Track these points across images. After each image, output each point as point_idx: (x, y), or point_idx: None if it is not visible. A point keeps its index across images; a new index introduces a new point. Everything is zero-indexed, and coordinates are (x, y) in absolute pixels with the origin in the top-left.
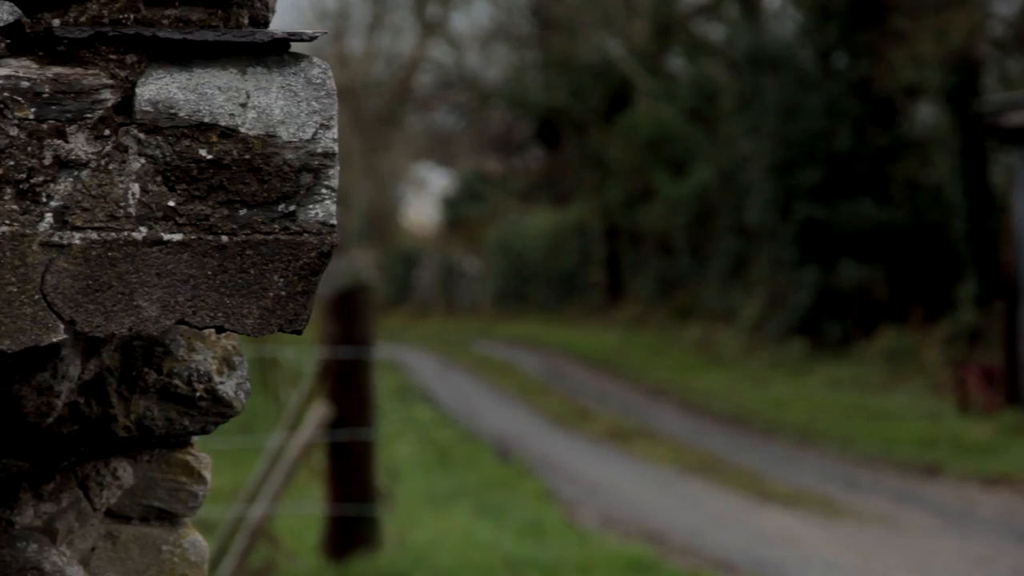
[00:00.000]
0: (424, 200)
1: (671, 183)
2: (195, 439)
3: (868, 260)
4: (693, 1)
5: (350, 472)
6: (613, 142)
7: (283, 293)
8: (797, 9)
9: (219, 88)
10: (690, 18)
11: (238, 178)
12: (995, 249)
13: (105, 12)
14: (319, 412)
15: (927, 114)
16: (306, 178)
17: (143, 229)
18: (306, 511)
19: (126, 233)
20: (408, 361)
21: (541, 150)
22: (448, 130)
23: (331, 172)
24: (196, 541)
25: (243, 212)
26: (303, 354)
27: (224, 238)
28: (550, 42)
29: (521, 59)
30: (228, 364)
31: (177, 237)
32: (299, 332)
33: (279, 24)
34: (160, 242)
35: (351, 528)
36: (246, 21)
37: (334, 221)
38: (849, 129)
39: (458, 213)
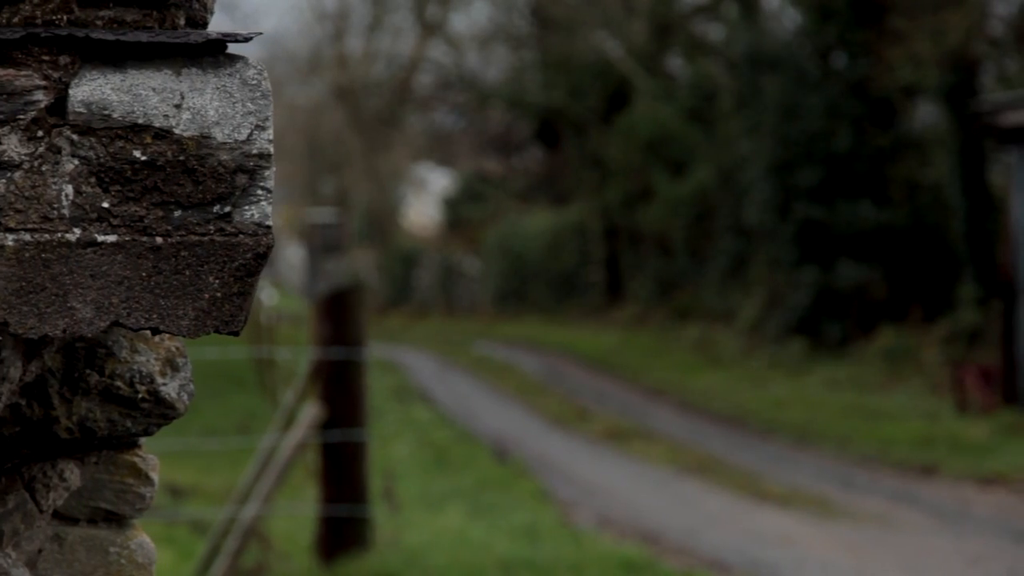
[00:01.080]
0: (424, 200)
1: (670, 183)
2: (144, 440)
3: (867, 260)
4: (692, 1)
5: (342, 473)
6: (612, 142)
7: (219, 294)
8: (796, 9)
9: (153, 89)
10: (689, 18)
11: (172, 179)
12: (994, 249)
13: (38, 13)
14: (311, 413)
15: (926, 114)
16: (241, 179)
17: (77, 231)
18: (299, 512)
19: (60, 235)
20: (407, 361)
21: (540, 150)
22: (448, 130)
23: (267, 173)
24: (143, 543)
25: (178, 213)
26: (300, 355)
27: (159, 239)
28: (549, 42)
29: (520, 59)
30: (171, 366)
31: (111, 238)
32: (236, 333)
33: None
34: (94, 243)
35: (343, 529)
36: (183, 22)
37: (270, 222)
38: (848, 129)
39: (458, 213)
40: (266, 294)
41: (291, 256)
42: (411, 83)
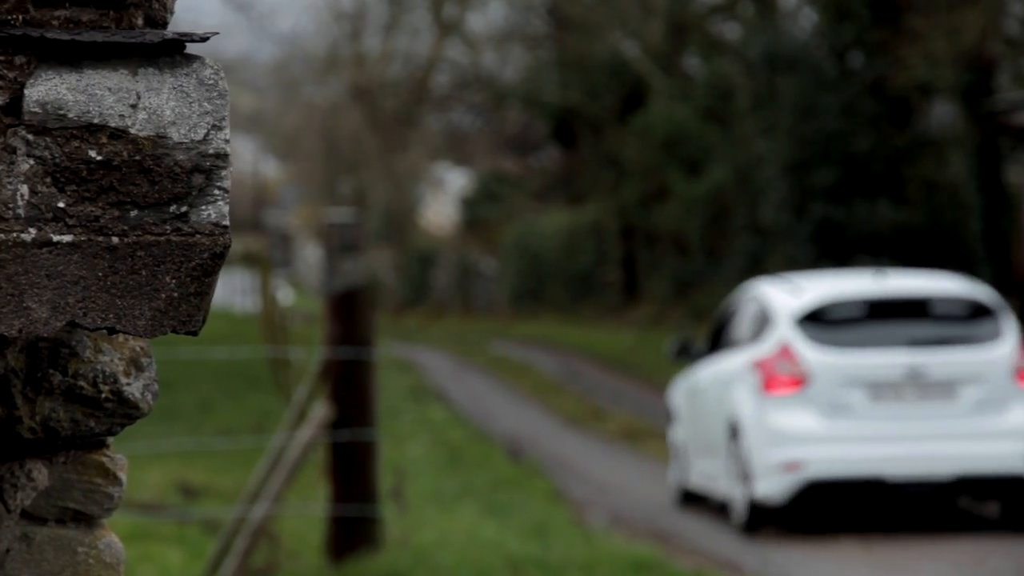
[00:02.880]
0: (441, 200)
1: (686, 183)
2: (112, 440)
3: (884, 259)
4: (708, 1)
5: (352, 473)
6: (628, 142)
7: (175, 294)
8: (812, 9)
9: (109, 89)
10: (705, 18)
11: (128, 179)
12: (1009, 247)
13: None
14: (320, 413)
15: (942, 113)
16: (198, 179)
17: (32, 231)
18: (309, 511)
19: (15, 235)
20: (423, 361)
21: (557, 150)
22: (465, 130)
23: (223, 173)
24: (111, 542)
25: (134, 213)
26: (314, 354)
27: (115, 239)
28: (566, 42)
29: (537, 59)
30: (135, 366)
31: (67, 238)
32: (194, 333)
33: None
34: (50, 243)
35: (353, 528)
36: (141, 22)
37: (227, 222)
38: (865, 129)
39: (475, 213)
40: (282, 294)
41: (309, 256)
42: (428, 83)
